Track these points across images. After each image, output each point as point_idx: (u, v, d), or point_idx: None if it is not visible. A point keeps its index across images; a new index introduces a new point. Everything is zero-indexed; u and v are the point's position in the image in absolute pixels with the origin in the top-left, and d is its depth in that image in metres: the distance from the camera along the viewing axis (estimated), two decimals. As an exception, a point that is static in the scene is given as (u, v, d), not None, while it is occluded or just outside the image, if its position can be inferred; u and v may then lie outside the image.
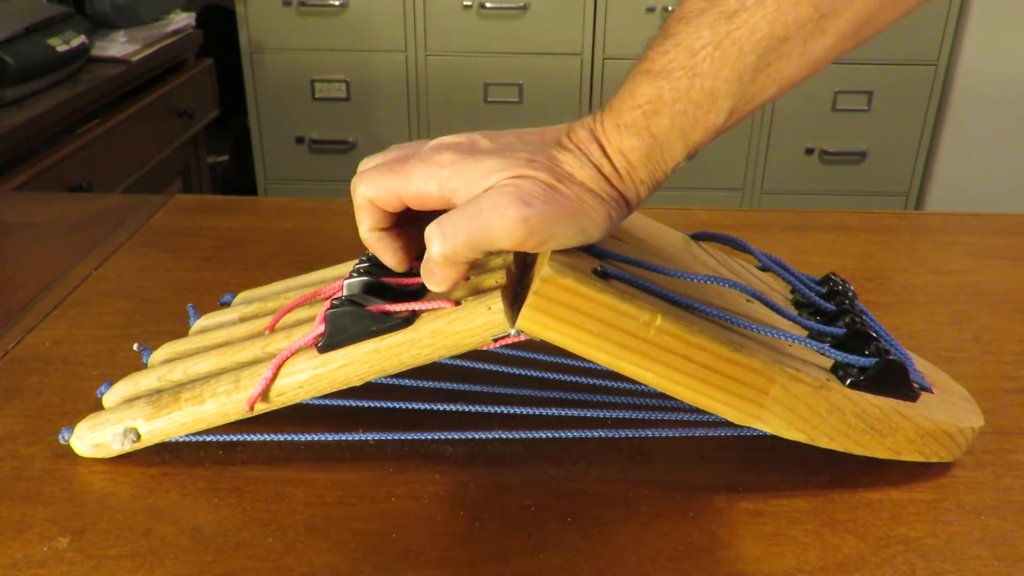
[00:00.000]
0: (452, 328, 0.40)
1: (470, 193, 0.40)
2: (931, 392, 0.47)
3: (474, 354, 0.43)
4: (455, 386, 0.46)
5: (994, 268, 0.70)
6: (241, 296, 0.59)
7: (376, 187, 0.42)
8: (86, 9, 1.66)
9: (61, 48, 1.43)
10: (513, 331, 0.40)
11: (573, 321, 0.39)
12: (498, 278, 0.42)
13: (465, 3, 2.10)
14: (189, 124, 1.85)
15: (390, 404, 0.47)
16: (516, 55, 2.15)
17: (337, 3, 2.12)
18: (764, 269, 0.55)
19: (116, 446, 0.45)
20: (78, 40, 1.49)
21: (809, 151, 2.24)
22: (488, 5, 2.10)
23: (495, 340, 0.41)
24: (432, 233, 0.40)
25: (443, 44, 2.14)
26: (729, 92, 0.39)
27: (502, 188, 0.39)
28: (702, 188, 2.28)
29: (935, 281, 0.68)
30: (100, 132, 1.48)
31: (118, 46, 1.63)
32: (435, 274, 0.41)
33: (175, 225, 0.76)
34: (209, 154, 2.12)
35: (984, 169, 2.25)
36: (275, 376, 0.43)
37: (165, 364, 0.50)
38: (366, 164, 0.45)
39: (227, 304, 0.59)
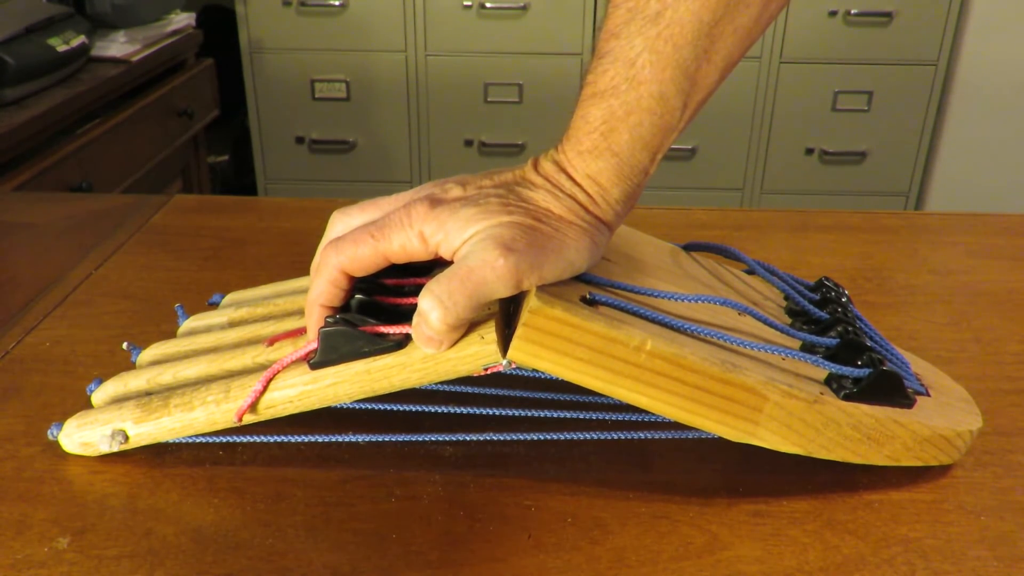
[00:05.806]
0: (444, 355, 0.41)
1: (451, 246, 0.40)
2: (928, 395, 0.47)
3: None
4: (454, 388, 0.46)
5: (994, 268, 0.70)
6: (230, 298, 0.59)
7: (355, 259, 0.42)
8: (86, 9, 1.66)
9: (61, 48, 1.43)
10: (504, 362, 0.40)
11: (563, 350, 0.39)
12: (491, 305, 0.42)
13: (465, 3, 2.10)
14: (189, 124, 1.85)
15: (389, 406, 0.47)
16: (516, 55, 2.15)
17: (337, 3, 2.12)
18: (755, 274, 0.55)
19: (104, 447, 0.45)
20: (78, 40, 1.49)
21: (809, 151, 2.24)
22: (488, 5, 2.10)
23: (485, 369, 0.41)
24: (429, 305, 0.38)
25: (443, 44, 2.14)
26: (678, 90, 0.40)
27: (484, 240, 0.39)
28: (702, 188, 2.28)
29: (935, 281, 0.68)
30: (100, 132, 1.48)
31: (118, 46, 1.63)
32: (436, 340, 0.40)
33: (175, 225, 0.76)
34: (209, 154, 2.12)
35: (984, 169, 2.25)
36: (265, 389, 0.43)
37: (155, 366, 0.50)
38: (335, 227, 0.45)
39: (216, 304, 0.59)
